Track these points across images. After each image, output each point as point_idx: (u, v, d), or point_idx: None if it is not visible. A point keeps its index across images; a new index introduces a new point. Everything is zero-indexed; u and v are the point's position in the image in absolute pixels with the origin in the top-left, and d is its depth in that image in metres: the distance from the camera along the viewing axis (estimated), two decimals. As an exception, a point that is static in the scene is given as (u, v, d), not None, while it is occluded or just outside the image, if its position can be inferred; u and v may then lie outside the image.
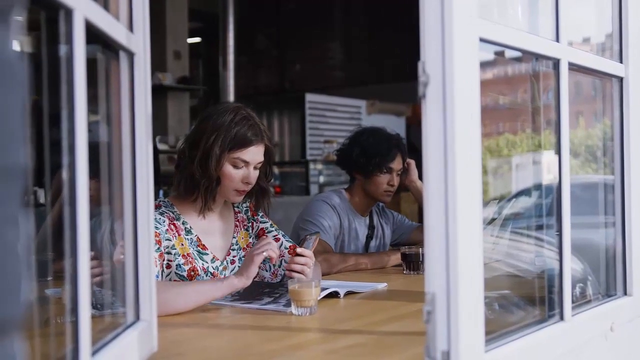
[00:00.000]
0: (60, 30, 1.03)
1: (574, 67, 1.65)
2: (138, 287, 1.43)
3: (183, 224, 2.30)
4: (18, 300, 0.61)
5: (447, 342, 1.21)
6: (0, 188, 0.59)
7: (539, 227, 2.01)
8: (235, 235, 2.44)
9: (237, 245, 2.43)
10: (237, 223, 2.47)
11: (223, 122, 2.24)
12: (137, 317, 1.43)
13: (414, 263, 2.74)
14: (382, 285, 2.45)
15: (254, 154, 2.29)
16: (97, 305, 1.43)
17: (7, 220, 0.60)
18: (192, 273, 2.25)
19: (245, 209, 2.51)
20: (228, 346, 1.71)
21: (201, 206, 2.31)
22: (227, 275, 2.33)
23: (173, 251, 2.23)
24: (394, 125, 6.54)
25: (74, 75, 1.04)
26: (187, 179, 2.28)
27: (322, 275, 2.74)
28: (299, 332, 1.82)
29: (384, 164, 3.08)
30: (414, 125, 8.45)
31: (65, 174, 1.05)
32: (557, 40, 1.59)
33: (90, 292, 1.08)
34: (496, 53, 1.55)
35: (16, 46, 0.63)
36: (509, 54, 1.63)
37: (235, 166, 2.27)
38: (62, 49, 1.05)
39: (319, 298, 2.00)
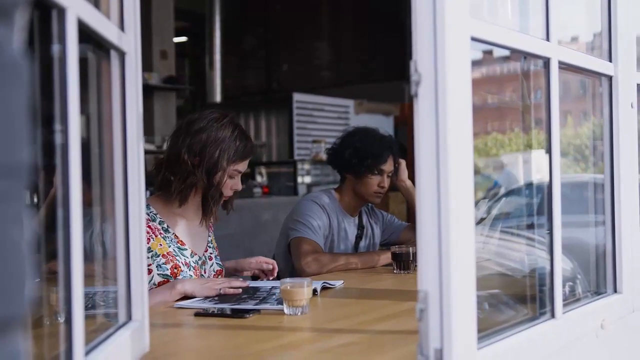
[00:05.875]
0: (53, 29, 1.03)
1: (563, 66, 1.66)
2: (130, 288, 1.42)
3: (160, 223, 2.38)
4: (23, 299, 0.61)
5: (440, 340, 1.21)
6: (6, 186, 0.59)
7: (529, 226, 2.02)
8: (210, 234, 2.56)
9: (211, 244, 2.55)
10: (210, 225, 2.58)
11: (224, 137, 2.37)
12: (129, 318, 1.42)
13: (404, 262, 2.75)
14: (339, 283, 2.47)
15: (247, 164, 2.46)
16: (87, 305, 1.43)
17: (12, 218, 0.60)
18: (175, 270, 2.33)
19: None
20: (220, 346, 1.70)
21: (201, 215, 2.45)
22: (206, 270, 2.46)
23: (150, 253, 2.27)
24: (382, 125, 6.54)
25: (66, 75, 1.03)
26: (188, 188, 2.36)
27: (313, 275, 2.74)
28: (291, 332, 1.82)
29: (376, 165, 3.08)
30: (402, 125, 8.46)
31: (57, 175, 1.04)
32: (548, 39, 1.60)
33: (83, 293, 1.07)
34: (484, 52, 1.56)
35: (19, 45, 0.63)
36: (497, 52, 1.64)
37: (231, 177, 2.41)
38: (55, 48, 1.04)
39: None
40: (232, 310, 1.98)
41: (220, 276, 2.50)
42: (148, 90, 7.55)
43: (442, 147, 1.21)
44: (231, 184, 2.41)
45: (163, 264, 2.30)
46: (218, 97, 8.66)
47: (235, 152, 2.38)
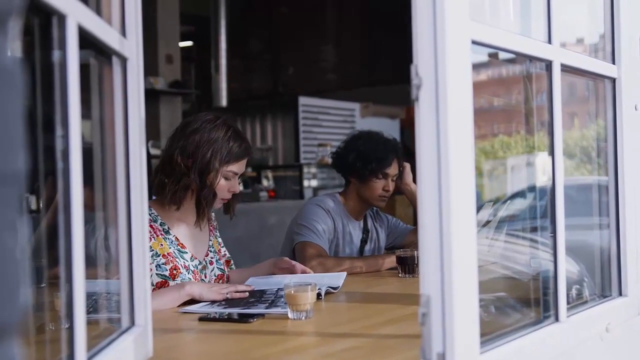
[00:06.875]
0: (53, 35, 1.03)
1: (566, 69, 1.65)
2: (133, 293, 1.42)
3: (161, 225, 2.39)
4: (17, 305, 0.61)
5: (443, 344, 1.21)
6: (0, 193, 0.60)
7: (534, 229, 2.01)
8: (210, 238, 2.56)
9: (212, 248, 2.55)
10: (211, 228, 2.59)
11: (217, 137, 2.36)
12: (132, 323, 1.42)
13: (409, 266, 2.74)
14: (342, 278, 2.49)
15: (243, 165, 2.44)
16: (90, 310, 1.43)
17: (6, 225, 0.60)
18: (175, 272, 2.33)
19: (213, 217, 2.65)
20: (224, 351, 1.70)
21: (196, 217, 2.43)
22: (207, 274, 2.46)
23: (150, 252, 2.28)
24: (388, 128, 6.55)
25: (67, 81, 1.04)
26: (182, 190, 2.36)
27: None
28: (295, 336, 1.82)
29: (380, 169, 3.07)
30: (408, 127, 8.45)
31: (59, 180, 1.04)
32: (550, 41, 1.59)
33: (85, 298, 1.08)
34: (490, 55, 1.56)
35: (14, 52, 0.64)
36: (503, 55, 1.64)
37: (226, 178, 2.40)
38: (55, 55, 1.05)
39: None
40: (239, 314, 1.98)
41: (221, 281, 2.50)
42: (154, 95, 7.55)
43: (443, 151, 1.21)
44: (228, 186, 2.40)
45: (163, 264, 2.31)
46: (224, 101, 8.64)
47: (229, 153, 2.37)
